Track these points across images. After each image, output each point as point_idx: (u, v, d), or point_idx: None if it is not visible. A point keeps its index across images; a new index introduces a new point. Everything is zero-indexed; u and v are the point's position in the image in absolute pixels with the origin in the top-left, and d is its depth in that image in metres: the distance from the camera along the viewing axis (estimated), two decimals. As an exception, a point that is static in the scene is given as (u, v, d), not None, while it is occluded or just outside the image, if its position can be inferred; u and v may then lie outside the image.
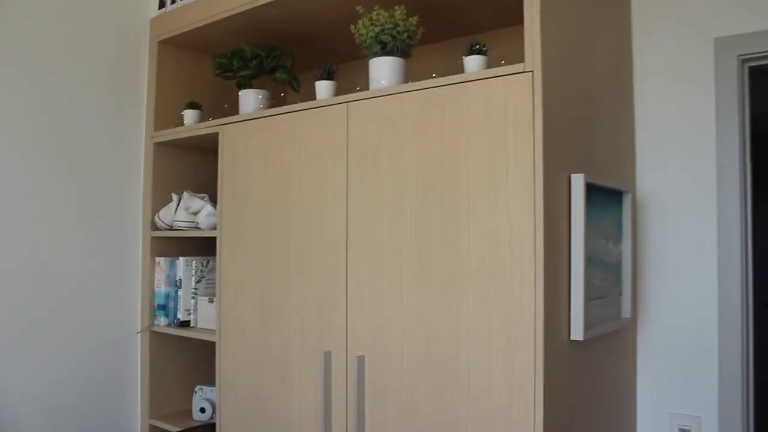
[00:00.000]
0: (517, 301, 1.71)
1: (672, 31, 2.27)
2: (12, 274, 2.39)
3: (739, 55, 2.15)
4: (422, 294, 1.89)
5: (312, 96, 2.88)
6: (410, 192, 1.92)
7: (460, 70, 2.55)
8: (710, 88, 2.20)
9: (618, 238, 2.14)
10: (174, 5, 2.73)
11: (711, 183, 2.19)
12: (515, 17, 2.41)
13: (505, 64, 2.30)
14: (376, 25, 2.07)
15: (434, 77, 1.92)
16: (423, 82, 1.91)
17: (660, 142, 2.28)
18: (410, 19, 2.10)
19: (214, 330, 2.50)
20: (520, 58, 1.99)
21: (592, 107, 2.01)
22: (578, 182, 1.83)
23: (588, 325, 1.88)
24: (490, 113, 1.77)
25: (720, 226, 2.16)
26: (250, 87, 2.52)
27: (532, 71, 1.71)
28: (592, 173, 1.98)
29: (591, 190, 1.91)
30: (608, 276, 2.06)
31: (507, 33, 2.52)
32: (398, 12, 2.08)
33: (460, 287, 1.81)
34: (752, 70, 2.22)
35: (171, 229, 2.69)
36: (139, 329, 2.76)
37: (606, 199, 2.04)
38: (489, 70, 1.80)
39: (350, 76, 2.95)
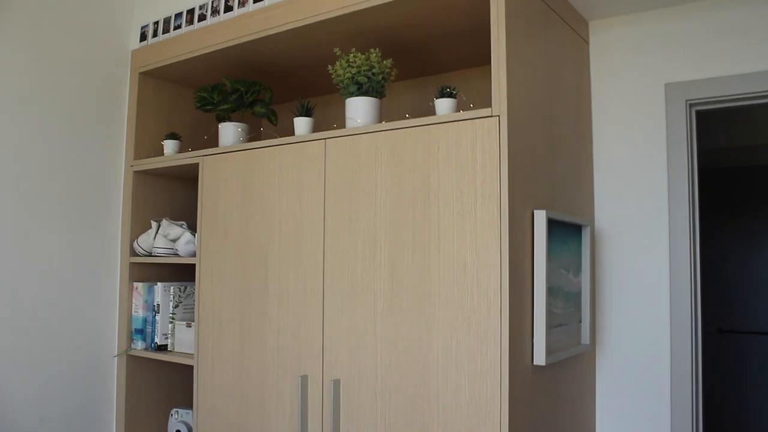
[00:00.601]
0: (483, 329, 1.83)
1: (626, 75, 2.44)
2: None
3: (687, 100, 2.34)
4: (395, 321, 2.00)
5: (289, 127, 3.01)
6: (384, 225, 2.05)
7: (431, 108, 2.70)
8: (662, 130, 2.37)
9: (578, 269, 2.28)
10: (155, 39, 2.82)
11: (663, 216, 2.35)
12: (483, 59, 2.57)
13: (473, 107, 2.46)
14: (353, 67, 2.20)
15: (407, 117, 2.06)
16: (397, 122, 2.04)
17: (616, 179, 2.44)
18: (385, 61, 2.24)
19: (192, 354, 2.58)
20: (487, 98, 2.13)
21: (554, 147, 2.16)
22: (541, 218, 1.97)
23: (549, 351, 2.01)
24: (459, 153, 1.91)
25: (672, 256, 2.32)
26: (230, 120, 2.63)
27: (498, 116, 1.85)
28: (553, 209, 2.12)
29: (552, 224, 2.06)
30: (569, 305, 2.20)
31: (475, 73, 2.68)
32: (374, 55, 2.21)
33: (430, 316, 1.94)
34: (699, 113, 2.40)
35: (150, 255, 2.77)
36: (116, 353, 2.82)
37: (566, 232, 2.18)
38: (458, 113, 1.94)
39: (327, 110, 3.07)
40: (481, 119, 1.88)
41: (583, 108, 2.43)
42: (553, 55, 2.20)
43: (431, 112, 2.68)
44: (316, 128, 2.43)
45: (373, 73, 2.21)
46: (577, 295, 2.29)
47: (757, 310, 4.80)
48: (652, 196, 2.38)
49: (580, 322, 2.31)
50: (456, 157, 1.92)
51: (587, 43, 2.51)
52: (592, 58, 2.51)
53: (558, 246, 2.12)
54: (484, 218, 1.86)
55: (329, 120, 3.01)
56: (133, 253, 2.82)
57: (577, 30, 2.40)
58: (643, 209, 2.39)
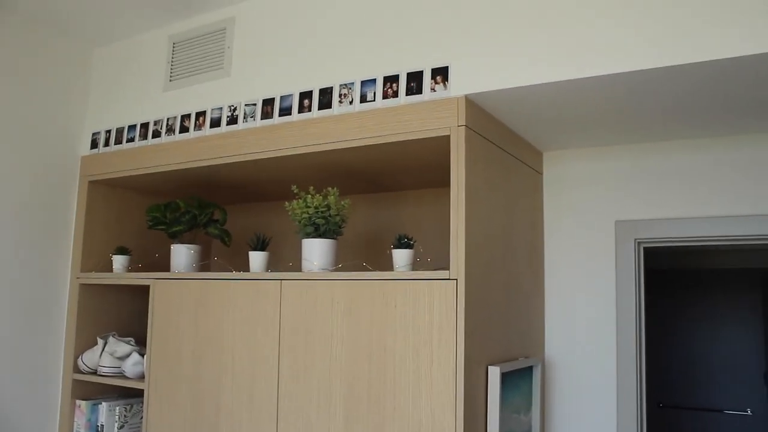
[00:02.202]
0: (438, 494, 1.83)
1: (578, 209, 2.51)
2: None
3: (636, 239, 2.41)
4: (349, 476, 1.99)
5: (240, 241, 2.98)
6: (338, 375, 2.04)
7: (381, 228, 2.72)
8: (610, 264, 2.44)
9: (528, 408, 2.31)
10: (107, 148, 2.76)
11: (611, 345, 2.41)
12: (437, 183, 2.60)
13: (428, 258, 2.47)
14: (310, 207, 2.20)
15: (365, 265, 2.06)
16: (354, 273, 2.04)
17: (566, 311, 2.49)
18: (343, 201, 2.24)
19: (136, 480, 2.51)
20: (441, 238, 2.14)
21: (510, 296, 2.20)
22: (495, 375, 1.99)
23: (501, 501, 2.02)
24: (416, 313, 1.92)
25: (619, 387, 2.37)
26: (182, 240, 2.58)
27: (456, 279, 1.87)
28: (506, 355, 2.15)
29: (505, 375, 2.08)
30: (520, 446, 2.23)
31: (429, 195, 2.71)
32: (332, 195, 2.22)
33: (385, 474, 1.93)
34: (646, 250, 2.48)
35: (94, 374, 2.68)
36: (55, 474, 2.72)
37: (518, 377, 2.21)
38: (416, 272, 1.95)
39: (280, 217, 3.05)
40: (438, 281, 1.90)
41: (536, 243, 2.48)
42: (509, 196, 2.24)
43: (384, 244, 2.70)
44: (270, 249, 2.41)
45: (330, 215, 2.21)
46: (528, 433, 2.31)
47: (695, 386, 4.95)
48: (601, 327, 2.44)
49: (531, 458, 2.33)
50: (413, 317, 1.93)
51: (541, 174, 2.57)
52: (545, 189, 2.57)
53: (510, 392, 2.14)
54: (440, 379, 1.87)
55: (283, 229, 2.99)
56: (77, 370, 2.73)
57: (530, 164, 2.46)
58: (592, 338, 2.45)
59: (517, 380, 2.21)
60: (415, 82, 2.05)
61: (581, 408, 2.44)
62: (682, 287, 5.00)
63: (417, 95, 2.03)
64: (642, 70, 1.72)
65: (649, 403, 4.91)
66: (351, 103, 2.14)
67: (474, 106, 2.01)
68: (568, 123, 2.21)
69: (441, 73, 2.01)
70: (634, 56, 1.71)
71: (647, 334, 2.52)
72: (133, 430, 2.70)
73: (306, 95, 2.24)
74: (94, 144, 2.83)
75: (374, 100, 2.10)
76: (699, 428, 4.93)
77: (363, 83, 2.13)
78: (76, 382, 2.74)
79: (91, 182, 2.81)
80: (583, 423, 2.43)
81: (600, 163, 2.50)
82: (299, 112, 2.24)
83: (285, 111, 2.27)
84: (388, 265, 2.28)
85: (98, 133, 2.83)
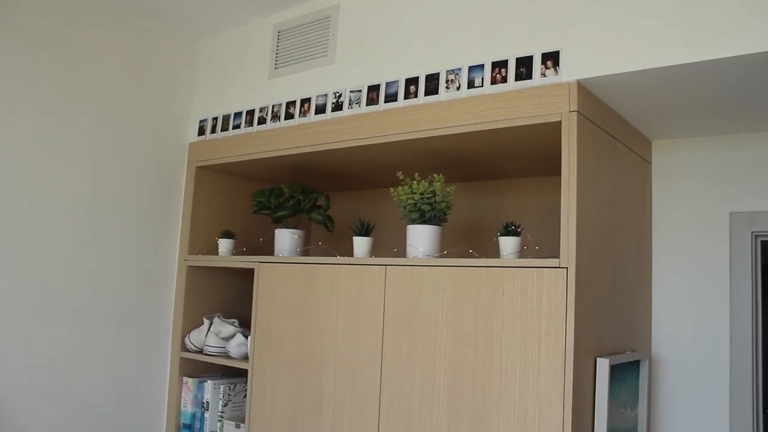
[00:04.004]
0: (545, 485, 1.81)
1: (689, 200, 2.41)
2: (39, 387, 2.47)
3: (753, 232, 2.30)
4: (452, 462, 1.99)
5: (342, 227, 3.01)
6: (443, 362, 2.03)
7: (482, 216, 2.69)
8: (725, 259, 2.33)
9: (634, 403, 2.25)
10: (214, 134, 2.85)
11: (724, 344, 2.30)
12: (542, 171, 2.55)
13: (536, 248, 2.42)
14: (416, 194, 2.20)
15: (471, 252, 2.05)
16: (462, 260, 2.03)
17: (676, 306, 2.40)
18: (448, 188, 2.23)
19: (240, 457, 2.58)
20: (547, 224, 2.09)
21: (617, 287, 2.14)
22: (604, 367, 1.94)
23: (607, 497, 1.98)
24: (524, 301, 1.90)
25: (732, 386, 2.27)
26: (286, 224, 2.64)
27: (566, 268, 1.84)
28: (613, 348, 2.09)
29: (613, 368, 2.03)
30: (626, 441, 2.17)
31: (533, 184, 2.66)
32: (437, 181, 2.21)
33: (489, 462, 1.92)
34: (764, 243, 2.36)
35: (201, 352, 2.78)
36: (163, 447, 2.84)
37: (625, 370, 2.15)
38: (525, 260, 1.92)
39: (379, 204, 3.07)
40: (548, 269, 1.87)
41: (644, 235, 2.40)
42: (618, 185, 2.18)
43: (486, 232, 2.68)
44: (374, 236, 2.42)
45: (436, 201, 2.20)
46: (633, 429, 2.25)
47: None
48: (713, 324, 2.33)
49: (636, 455, 2.27)
50: (521, 305, 1.90)
51: (649, 163, 2.48)
52: (654, 179, 2.49)
53: (617, 386, 2.09)
54: (548, 369, 1.84)
55: (384, 216, 3.00)
56: (184, 348, 2.84)
57: (639, 153, 2.38)
58: (703, 337, 2.35)
59: (624, 374, 2.15)
60: (524, 67, 2.01)
61: (690, 407, 2.35)
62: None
63: (527, 80, 1.99)
64: (762, 53, 1.63)
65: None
66: (458, 89, 2.12)
67: (585, 91, 1.96)
68: (681, 110, 2.13)
69: (551, 58, 1.96)
70: (755, 39, 1.62)
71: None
72: (236, 408, 2.79)
73: (412, 81, 2.24)
74: (201, 131, 2.93)
75: (482, 86, 2.07)
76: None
77: (471, 69, 2.11)
78: (183, 360, 2.85)
79: (198, 168, 2.91)
80: (691, 423, 2.34)
81: (712, 152, 2.39)
82: (405, 99, 2.24)
83: (391, 97, 2.28)
84: (492, 253, 2.26)
85: (205, 120, 2.92)
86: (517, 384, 1.89)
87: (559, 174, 1.95)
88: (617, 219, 2.16)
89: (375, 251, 2.44)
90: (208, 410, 2.73)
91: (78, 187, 2.59)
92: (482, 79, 2.08)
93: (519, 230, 2.07)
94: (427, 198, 2.19)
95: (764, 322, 2.39)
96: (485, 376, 1.95)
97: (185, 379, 2.81)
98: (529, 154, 2.32)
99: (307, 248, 2.71)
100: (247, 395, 2.53)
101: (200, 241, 2.91)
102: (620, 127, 2.22)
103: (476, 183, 2.82)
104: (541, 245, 2.51)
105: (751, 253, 2.31)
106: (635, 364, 2.24)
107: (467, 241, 2.76)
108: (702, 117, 2.19)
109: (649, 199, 2.47)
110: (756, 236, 2.32)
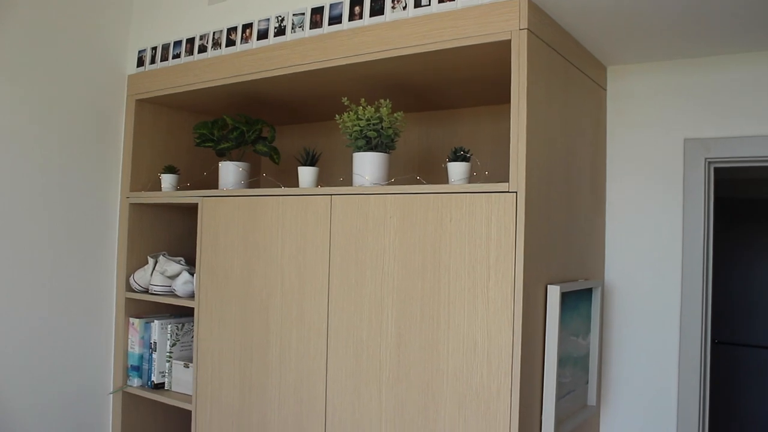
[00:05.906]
0: (493, 408, 1.78)
1: (644, 127, 2.35)
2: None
3: (707, 158, 2.26)
4: (400, 393, 1.95)
5: (287, 157, 2.91)
6: (391, 293, 1.98)
7: (435, 146, 2.62)
8: (678, 185, 2.29)
9: (587, 331, 2.23)
10: (153, 65, 2.70)
11: (676, 270, 2.28)
12: (494, 98, 2.47)
13: (485, 170, 2.36)
14: (362, 120, 2.11)
15: (418, 179, 1.97)
16: (408, 186, 1.96)
17: (629, 233, 2.37)
18: (396, 114, 2.14)
19: (190, 395, 2.53)
20: (497, 150, 2.02)
21: (570, 214, 2.09)
22: (554, 294, 1.90)
23: (558, 423, 1.96)
24: (473, 228, 1.83)
25: (683, 311, 2.26)
26: (230, 157, 2.53)
27: (516, 192, 1.77)
28: (565, 276, 2.06)
29: (565, 295, 2.00)
30: (576, 369, 2.15)
31: (485, 112, 2.58)
32: (384, 107, 2.12)
33: (437, 391, 1.88)
34: (717, 170, 2.32)
35: (146, 292, 2.69)
36: (111, 390, 2.76)
37: (577, 298, 2.12)
38: (473, 185, 1.85)
39: (329, 137, 2.97)
40: (497, 194, 1.80)
41: (598, 162, 2.35)
42: (571, 110, 2.11)
43: (438, 163, 2.60)
44: (320, 166, 2.33)
45: (383, 127, 2.11)
46: (585, 357, 2.23)
47: (753, 323, 4.79)
48: (666, 252, 2.31)
49: (587, 383, 2.26)
50: (469, 232, 1.84)
51: (604, 90, 2.41)
52: (609, 106, 2.42)
53: (568, 313, 2.06)
54: (497, 298, 1.79)
55: (335, 150, 2.91)
56: (129, 289, 2.74)
57: (594, 78, 2.31)
58: (655, 264, 2.33)
59: (577, 303, 2.12)
60: (473, -17, 1.90)
61: (641, 335, 2.34)
62: (745, 217, 4.80)
63: (476, -3, 1.89)
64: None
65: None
66: (405, 8, 2.01)
67: (536, 9, 1.86)
68: (637, 31, 2.04)
69: (502, -27, 1.86)
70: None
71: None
72: (184, 348, 2.72)
73: (357, 2, 2.12)
74: (140, 62, 2.77)
75: (429, 5, 1.97)
76: (757, 366, 4.80)
77: (418, -14, 2.00)
78: (129, 300, 2.76)
79: (138, 101, 2.76)
80: (642, 351, 2.33)
81: (668, 77, 2.32)
82: (350, 21, 2.13)
83: (335, 19, 2.16)
84: (442, 182, 2.19)
85: (144, 50, 2.76)
86: (466, 313, 1.84)
87: (512, 99, 1.87)
88: (570, 145, 2.10)
89: (323, 182, 2.35)
90: (156, 351, 2.65)
91: (10, 124, 2.43)
92: (429, -3, 1.97)
93: (468, 155, 1.99)
94: (374, 124, 2.10)
95: (716, 250, 2.37)
96: (434, 306, 1.90)
97: (131, 320, 2.72)
98: (482, 79, 2.23)
99: (253, 180, 2.60)
100: (194, 334, 2.46)
101: (142, 178, 2.79)
102: (574, 50, 2.13)
103: (429, 113, 2.73)
104: (495, 175, 2.44)
105: (704, 180, 2.27)
106: (588, 293, 2.21)
107: (420, 172, 2.68)
108: (657, 38, 2.11)
109: (604, 126, 2.41)
110: (710, 163, 2.28)
